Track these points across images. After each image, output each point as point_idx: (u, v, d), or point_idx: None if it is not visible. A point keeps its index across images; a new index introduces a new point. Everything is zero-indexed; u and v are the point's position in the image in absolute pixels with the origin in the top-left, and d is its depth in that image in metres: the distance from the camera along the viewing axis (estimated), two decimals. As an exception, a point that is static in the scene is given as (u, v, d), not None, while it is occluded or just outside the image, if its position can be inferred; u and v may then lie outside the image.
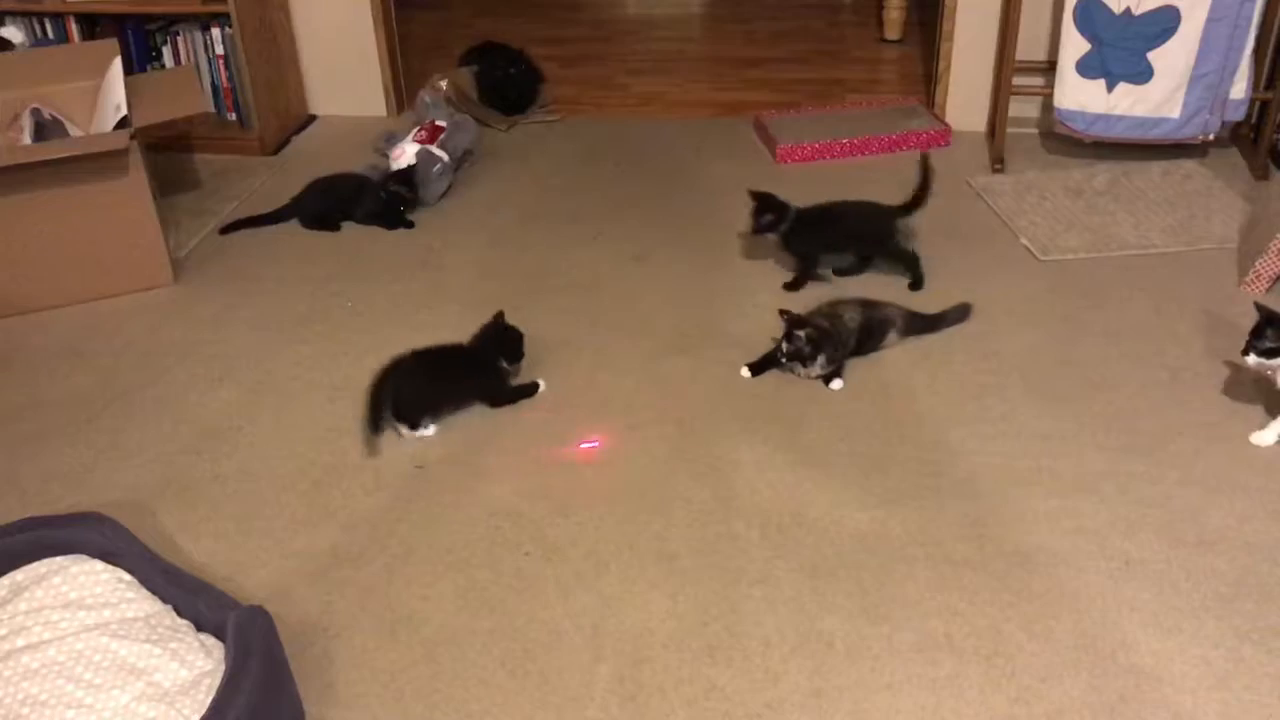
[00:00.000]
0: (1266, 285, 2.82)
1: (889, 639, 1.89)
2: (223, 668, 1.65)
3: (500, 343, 2.50)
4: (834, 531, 2.12)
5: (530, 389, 2.54)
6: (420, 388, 2.43)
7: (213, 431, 2.47)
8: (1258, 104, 3.49)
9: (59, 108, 3.18)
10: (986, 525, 2.12)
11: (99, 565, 1.84)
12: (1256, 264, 2.82)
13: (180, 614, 1.80)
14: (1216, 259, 3.00)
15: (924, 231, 3.19)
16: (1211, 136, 3.42)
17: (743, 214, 2.95)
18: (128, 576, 1.83)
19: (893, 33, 4.83)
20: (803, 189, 3.41)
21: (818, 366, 2.51)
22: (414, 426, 2.41)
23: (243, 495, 2.27)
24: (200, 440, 2.44)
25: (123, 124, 2.92)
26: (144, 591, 1.82)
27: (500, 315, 2.52)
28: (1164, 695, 1.77)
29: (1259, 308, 2.26)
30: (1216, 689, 1.77)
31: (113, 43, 3.27)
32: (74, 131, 3.15)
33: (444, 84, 3.94)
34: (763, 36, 5.01)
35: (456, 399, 2.49)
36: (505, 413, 2.49)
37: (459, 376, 2.49)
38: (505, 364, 2.50)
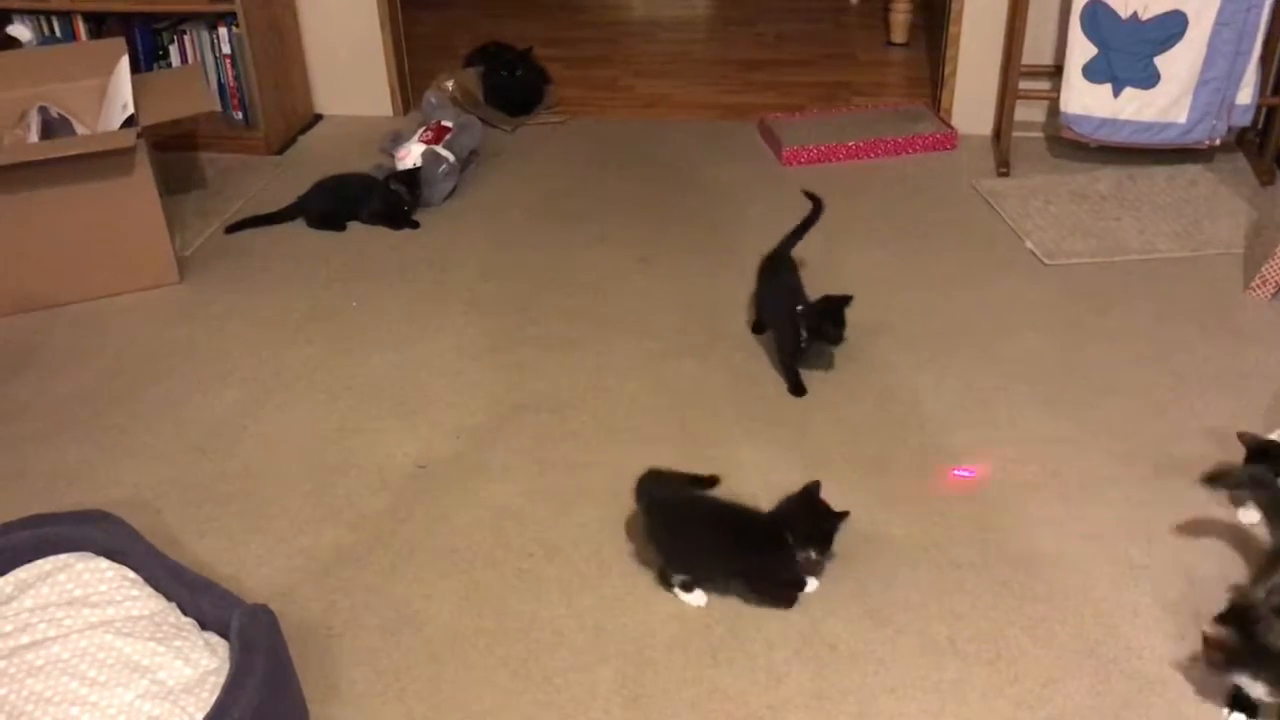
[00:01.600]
0: (1272, 290, 2.81)
1: (892, 642, 1.89)
2: (227, 666, 1.66)
3: (804, 522, 1.97)
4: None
5: (797, 586, 1.99)
6: (690, 547, 2.01)
7: (217, 430, 2.47)
8: (1264, 109, 3.49)
9: (66, 106, 3.18)
10: (990, 529, 2.12)
11: (103, 563, 1.84)
12: (1262, 269, 2.81)
13: (184, 612, 1.80)
14: (1222, 264, 2.99)
15: (929, 235, 3.19)
16: (1217, 142, 3.42)
17: (747, 215, 2.95)
18: (132, 574, 1.84)
19: (899, 36, 4.82)
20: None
21: None
22: (680, 583, 2.00)
23: (247, 494, 2.27)
24: (205, 439, 2.44)
25: (129, 122, 2.93)
26: (148, 589, 1.82)
27: (814, 486, 1.98)
28: (1168, 701, 1.77)
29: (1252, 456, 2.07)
30: (1220, 696, 1.77)
31: (120, 41, 3.27)
32: (81, 130, 3.15)
33: (450, 85, 3.94)
34: (768, 39, 5.00)
35: (726, 572, 2.01)
36: (508, 414, 2.49)
37: (736, 546, 1.99)
38: (802, 550, 1.96)
